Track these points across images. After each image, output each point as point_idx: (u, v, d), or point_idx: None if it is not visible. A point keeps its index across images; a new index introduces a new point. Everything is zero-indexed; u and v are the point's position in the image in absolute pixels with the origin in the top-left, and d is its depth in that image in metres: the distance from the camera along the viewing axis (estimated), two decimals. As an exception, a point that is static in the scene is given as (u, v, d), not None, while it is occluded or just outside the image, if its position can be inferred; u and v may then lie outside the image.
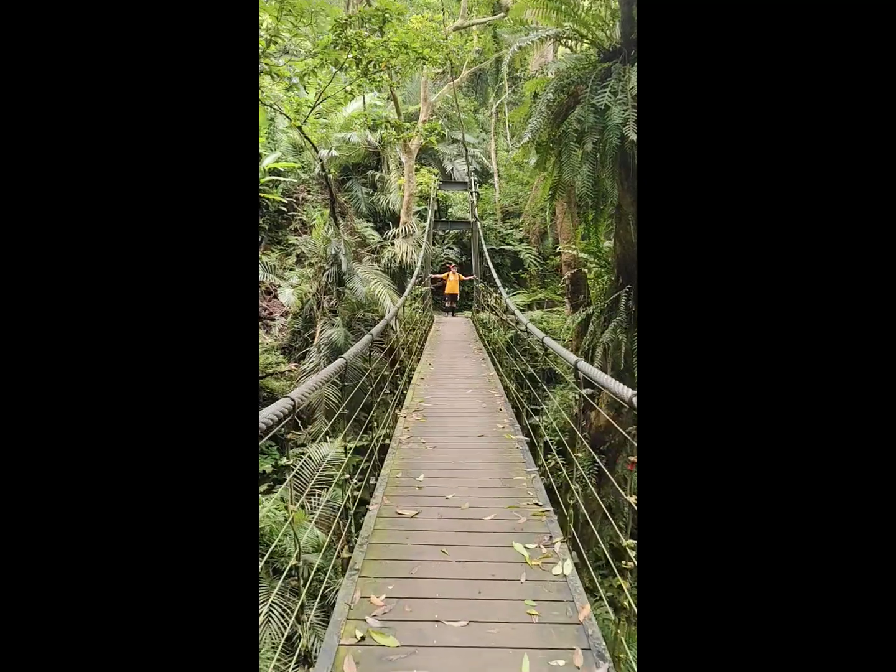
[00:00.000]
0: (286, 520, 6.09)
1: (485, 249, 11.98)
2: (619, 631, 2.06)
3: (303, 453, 8.22)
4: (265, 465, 8.26)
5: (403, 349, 7.32)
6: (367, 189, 15.52)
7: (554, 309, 13.48)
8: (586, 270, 10.45)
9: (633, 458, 1.98)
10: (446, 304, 13.91)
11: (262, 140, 13.73)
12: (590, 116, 5.94)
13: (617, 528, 3.24)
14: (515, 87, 16.92)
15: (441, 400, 5.97)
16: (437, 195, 15.63)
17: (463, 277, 13.67)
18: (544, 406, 5.62)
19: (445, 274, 13.59)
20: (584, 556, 2.78)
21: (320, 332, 10.31)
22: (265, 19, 7.32)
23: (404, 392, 6.16)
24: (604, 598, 2.89)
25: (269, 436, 1.68)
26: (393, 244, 13.93)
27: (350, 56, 8.16)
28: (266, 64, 7.70)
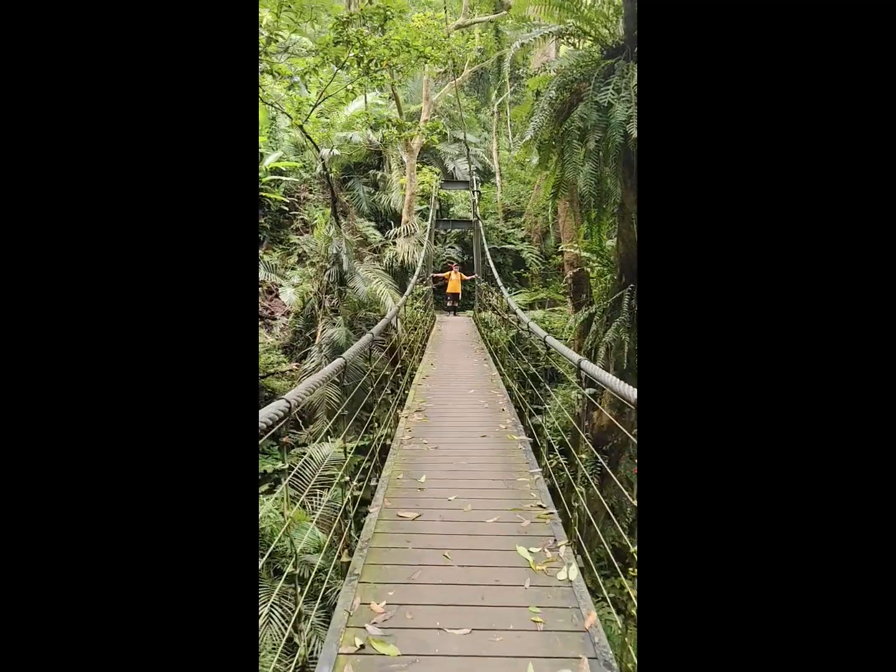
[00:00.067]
0: (287, 519, 6.06)
1: (486, 249, 11.92)
2: (626, 640, 2.00)
3: (304, 453, 8.18)
4: (266, 465, 8.21)
5: (405, 348, 7.27)
6: (368, 188, 15.48)
7: (556, 308, 13.42)
8: (589, 269, 10.38)
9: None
10: (448, 304, 13.86)
11: (263, 139, 13.71)
12: (593, 114, 5.87)
13: (620, 529, 3.19)
14: (517, 87, 16.88)
15: (443, 400, 5.92)
16: (438, 194, 15.58)
17: (465, 277, 13.63)
18: (547, 406, 5.57)
19: (447, 273, 13.54)
20: (588, 558, 2.72)
21: (322, 331, 10.27)
22: (265, 15, 7.27)
23: (406, 392, 6.11)
24: (607, 598, 2.84)
25: (265, 436, 1.63)
26: (394, 243, 13.88)
27: (351, 54, 8.11)
28: (267, 62, 7.65)
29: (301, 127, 9.07)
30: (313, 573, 4.20)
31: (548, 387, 4.47)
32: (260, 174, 13.33)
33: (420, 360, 8.09)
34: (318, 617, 5.33)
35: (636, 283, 7.12)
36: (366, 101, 13.75)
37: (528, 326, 5.08)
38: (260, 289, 12.81)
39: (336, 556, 2.81)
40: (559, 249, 12.80)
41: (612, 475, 3.12)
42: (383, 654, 2.02)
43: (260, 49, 7.31)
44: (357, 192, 15.22)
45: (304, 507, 6.73)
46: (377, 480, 3.70)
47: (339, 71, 8.69)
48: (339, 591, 2.48)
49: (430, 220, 13.87)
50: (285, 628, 5.15)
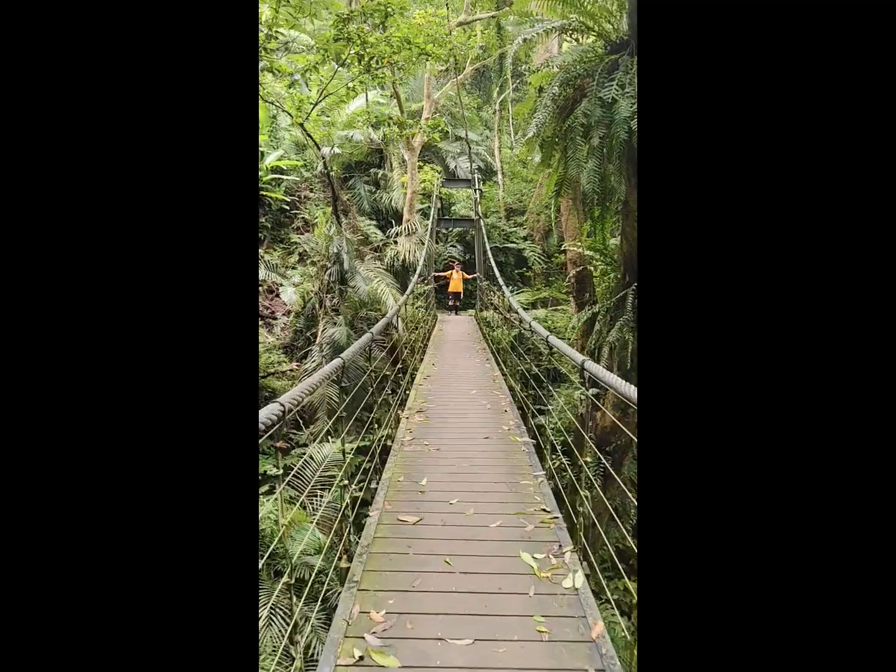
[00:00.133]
0: (288, 520, 6.01)
1: (488, 247, 11.85)
2: (636, 651, 1.93)
3: (304, 453, 8.12)
4: (266, 465, 8.16)
5: (406, 348, 7.20)
6: (369, 187, 15.41)
7: (558, 307, 13.34)
8: (592, 268, 10.30)
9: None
10: (450, 303, 13.80)
11: (264, 138, 13.65)
12: (596, 110, 5.79)
13: (624, 531, 3.12)
14: (519, 85, 16.79)
15: (444, 401, 5.84)
16: (440, 193, 15.50)
17: (466, 276, 13.56)
18: (550, 408, 5.50)
19: (449, 272, 13.48)
20: (592, 561, 2.65)
21: (322, 330, 10.22)
22: (263, 10, 7.20)
23: (407, 392, 6.04)
24: (611, 600, 2.78)
25: (262, 438, 1.56)
26: (396, 242, 13.81)
27: (352, 52, 8.03)
28: (267, 60, 7.58)
29: (302, 125, 8.99)
30: (314, 575, 4.15)
31: (551, 387, 4.39)
32: (261, 173, 13.27)
33: (421, 359, 8.02)
34: (319, 619, 5.27)
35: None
36: (367, 100, 13.67)
37: (531, 326, 5.01)
38: (261, 288, 12.76)
39: (336, 559, 2.74)
40: (562, 248, 12.72)
41: (616, 477, 3.05)
42: (383, 666, 1.95)
43: (259, 46, 7.24)
44: (358, 191, 15.15)
45: (304, 507, 6.67)
46: (377, 483, 3.63)
47: (340, 69, 8.62)
48: (339, 592, 2.42)
49: (431, 218, 13.79)
50: (286, 630, 5.09)
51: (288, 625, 5.07)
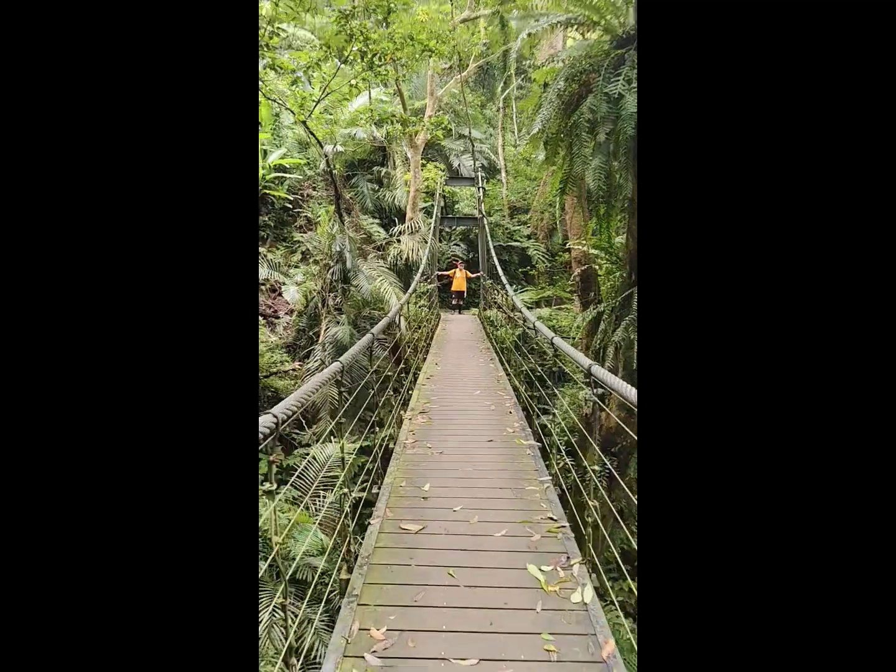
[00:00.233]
0: (290, 522, 5.94)
1: (491, 246, 11.74)
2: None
3: (307, 453, 8.05)
4: (267, 466, 8.10)
5: (409, 347, 7.11)
6: (372, 185, 15.31)
7: (562, 306, 13.24)
8: (597, 267, 10.18)
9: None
10: (453, 302, 13.70)
11: (267, 136, 13.58)
12: (602, 106, 5.68)
13: (628, 533, 3.02)
14: (523, 83, 16.65)
15: (448, 402, 5.75)
16: (443, 191, 15.39)
17: (470, 275, 13.45)
18: (555, 411, 5.39)
19: (452, 271, 13.37)
20: (598, 564, 2.55)
21: (325, 329, 10.14)
22: (263, 5, 7.10)
23: (410, 392, 5.94)
24: (615, 602, 2.68)
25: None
26: (399, 241, 13.71)
27: (355, 49, 7.93)
28: (270, 57, 7.49)
29: (304, 123, 8.91)
30: (316, 576, 4.06)
31: (556, 390, 4.29)
32: (264, 171, 13.20)
33: (424, 359, 7.93)
34: (322, 621, 5.20)
35: (647, 281, 6.92)
36: (370, 97, 13.57)
37: (535, 327, 4.90)
38: (263, 287, 12.70)
39: (336, 570, 2.65)
40: (566, 246, 12.60)
41: (621, 479, 2.96)
42: (383, 689, 1.86)
43: (262, 43, 7.14)
44: (361, 189, 15.06)
45: (307, 508, 6.60)
46: (379, 488, 3.54)
47: (343, 66, 8.51)
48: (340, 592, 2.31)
49: (434, 217, 13.68)
50: (287, 633, 5.02)
51: (291, 626, 5.02)
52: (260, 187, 13.24)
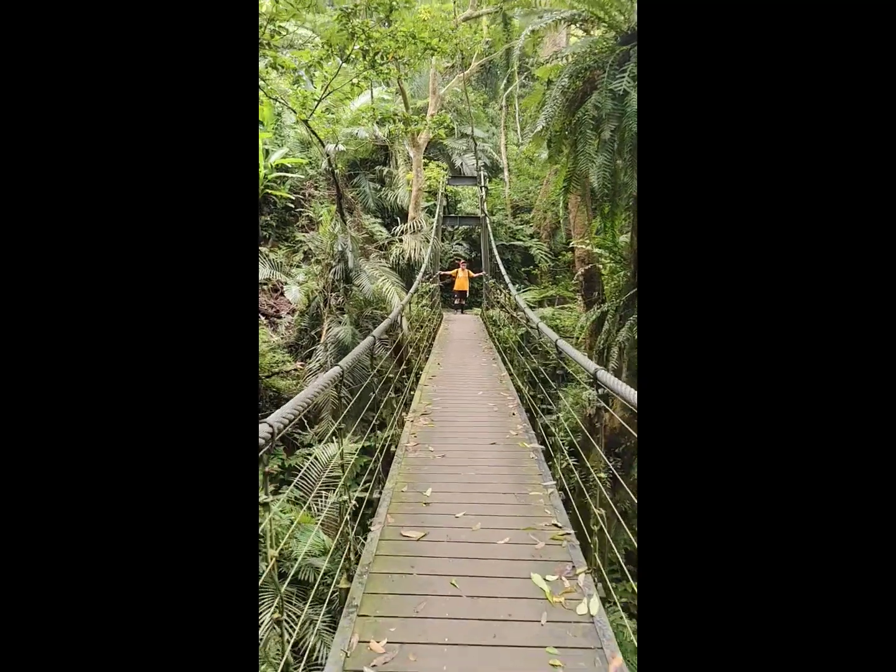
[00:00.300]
0: (292, 522, 5.89)
1: (494, 245, 11.66)
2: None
3: (309, 454, 8.01)
4: (271, 465, 8.07)
5: (411, 347, 7.05)
6: (374, 184, 15.25)
7: (566, 306, 13.16)
8: (601, 266, 10.09)
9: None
10: (455, 302, 13.64)
11: (269, 135, 13.52)
12: (607, 103, 5.60)
13: (630, 535, 2.95)
14: (526, 81, 16.56)
15: (450, 403, 5.68)
16: (445, 190, 15.32)
17: (472, 274, 13.38)
18: (559, 415, 5.32)
19: (454, 270, 13.31)
20: (604, 573, 2.49)
21: (327, 329, 10.10)
22: (263, 2, 7.05)
23: (412, 392, 5.88)
24: (617, 603, 2.62)
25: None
26: (401, 240, 13.64)
27: (356, 47, 7.87)
28: (272, 57, 7.43)
29: (306, 122, 8.84)
30: (319, 577, 4.01)
31: (560, 393, 4.22)
32: (266, 171, 13.16)
33: (426, 359, 7.86)
34: (324, 622, 5.16)
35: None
36: (372, 96, 13.51)
37: (539, 328, 4.83)
38: (265, 287, 12.66)
39: (343, 557, 2.58)
40: (569, 246, 12.52)
41: (625, 481, 2.90)
42: (382, 706, 1.79)
43: (264, 42, 7.08)
44: (363, 189, 14.99)
45: (310, 508, 6.55)
46: (380, 493, 3.47)
47: (345, 65, 8.45)
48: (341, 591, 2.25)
49: (436, 216, 13.61)
50: (290, 634, 4.99)
51: (292, 628, 4.98)
52: (262, 187, 13.19)
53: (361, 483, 3.42)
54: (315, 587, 4.44)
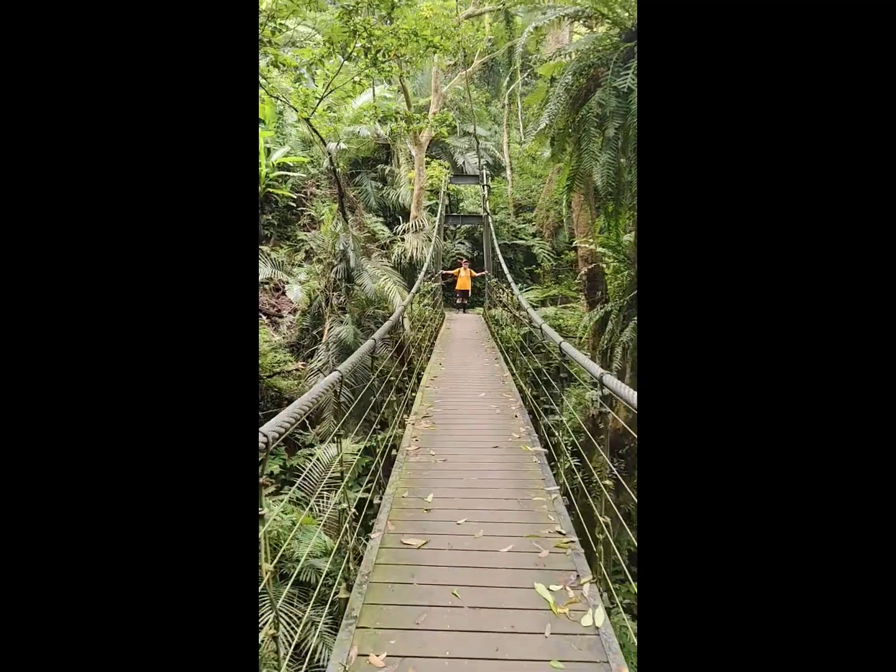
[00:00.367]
0: (294, 524, 5.84)
1: (496, 244, 11.59)
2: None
3: (311, 454, 7.97)
4: (273, 466, 8.02)
5: (413, 347, 6.99)
6: (376, 183, 15.19)
7: (568, 305, 13.10)
8: (604, 265, 10.02)
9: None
10: (457, 301, 13.59)
11: (270, 134, 13.47)
12: (612, 100, 5.52)
13: (633, 536, 2.89)
14: (528, 79, 16.47)
15: (452, 405, 5.62)
16: (448, 189, 15.25)
17: (474, 273, 13.33)
18: (562, 418, 5.26)
19: (457, 270, 13.25)
20: (609, 583, 2.43)
21: (329, 329, 10.06)
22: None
23: (413, 394, 5.82)
24: (620, 604, 2.57)
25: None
26: (403, 239, 13.59)
27: (358, 45, 7.81)
28: (273, 55, 7.38)
29: (307, 120, 8.79)
30: (321, 578, 3.96)
31: (563, 396, 4.15)
32: (267, 169, 13.11)
33: (428, 359, 7.81)
34: (326, 624, 5.12)
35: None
36: (374, 94, 13.44)
37: (541, 328, 4.76)
38: (267, 286, 12.63)
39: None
40: (572, 245, 12.45)
41: (627, 483, 2.84)
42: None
43: (265, 40, 7.03)
44: (365, 188, 14.94)
45: (311, 510, 6.52)
46: (381, 498, 3.42)
47: (346, 63, 8.39)
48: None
49: (439, 215, 13.55)
50: (291, 636, 4.96)
51: (293, 628, 4.94)
52: (264, 186, 13.15)
53: (364, 484, 3.37)
54: (317, 589, 4.39)
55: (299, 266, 13.21)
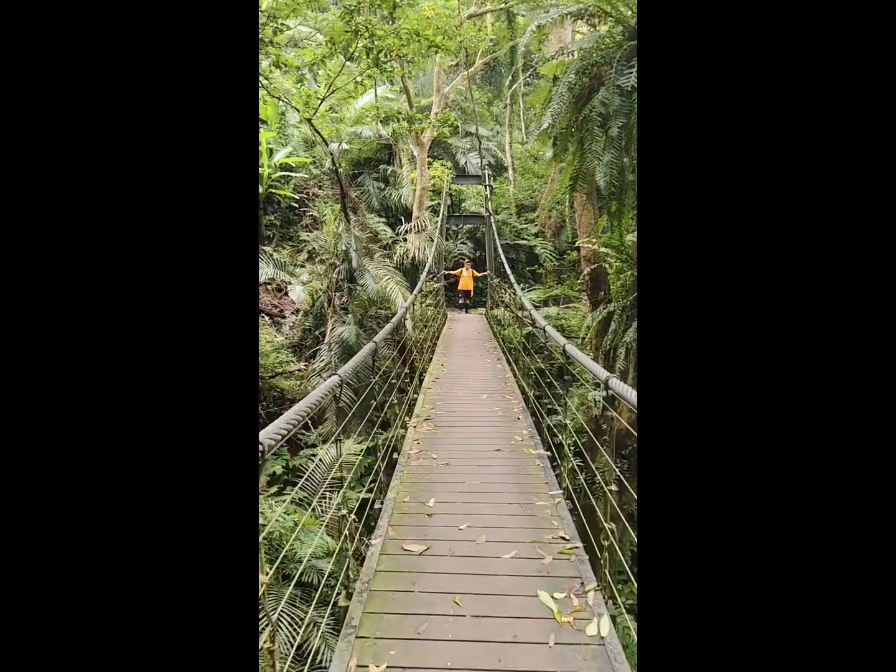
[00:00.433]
0: (296, 524, 5.81)
1: (498, 244, 11.55)
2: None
3: (313, 454, 7.94)
4: (276, 467, 8.00)
5: (415, 348, 6.95)
6: (378, 184, 15.17)
7: (570, 305, 13.05)
8: (607, 265, 9.96)
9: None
10: (460, 301, 13.55)
11: (272, 135, 13.45)
12: (615, 99, 5.48)
13: (635, 537, 2.84)
14: (530, 79, 16.42)
15: (454, 407, 5.57)
16: (450, 189, 15.21)
17: (477, 273, 13.28)
18: (567, 422, 5.21)
19: (459, 270, 13.22)
20: (612, 583, 2.38)
21: (331, 329, 10.03)
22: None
23: (415, 395, 5.78)
24: (622, 605, 2.53)
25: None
26: (405, 239, 13.56)
27: (360, 45, 7.77)
28: (274, 55, 7.35)
29: (310, 121, 8.76)
30: (323, 580, 3.92)
31: (566, 399, 4.11)
32: (269, 170, 13.10)
33: (430, 359, 7.77)
34: (328, 624, 5.10)
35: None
36: (376, 95, 13.42)
37: (546, 331, 4.71)
38: (269, 286, 12.62)
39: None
40: (575, 245, 12.40)
41: (630, 484, 2.79)
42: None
43: (266, 40, 7.00)
44: (367, 188, 14.92)
45: (314, 510, 6.49)
46: (382, 503, 3.38)
47: (348, 63, 8.37)
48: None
49: (441, 215, 13.51)
50: (293, 636, 4.93)
51: (295, 629, 4.90)
52: (266, 186, 13.14)
53: (367, 484, 3.34)
54: (319, 590, 4.35)
55: (302, 266, 13.20)
